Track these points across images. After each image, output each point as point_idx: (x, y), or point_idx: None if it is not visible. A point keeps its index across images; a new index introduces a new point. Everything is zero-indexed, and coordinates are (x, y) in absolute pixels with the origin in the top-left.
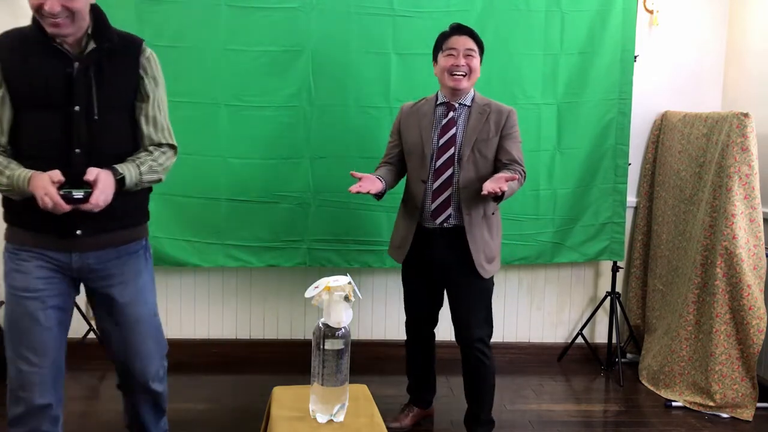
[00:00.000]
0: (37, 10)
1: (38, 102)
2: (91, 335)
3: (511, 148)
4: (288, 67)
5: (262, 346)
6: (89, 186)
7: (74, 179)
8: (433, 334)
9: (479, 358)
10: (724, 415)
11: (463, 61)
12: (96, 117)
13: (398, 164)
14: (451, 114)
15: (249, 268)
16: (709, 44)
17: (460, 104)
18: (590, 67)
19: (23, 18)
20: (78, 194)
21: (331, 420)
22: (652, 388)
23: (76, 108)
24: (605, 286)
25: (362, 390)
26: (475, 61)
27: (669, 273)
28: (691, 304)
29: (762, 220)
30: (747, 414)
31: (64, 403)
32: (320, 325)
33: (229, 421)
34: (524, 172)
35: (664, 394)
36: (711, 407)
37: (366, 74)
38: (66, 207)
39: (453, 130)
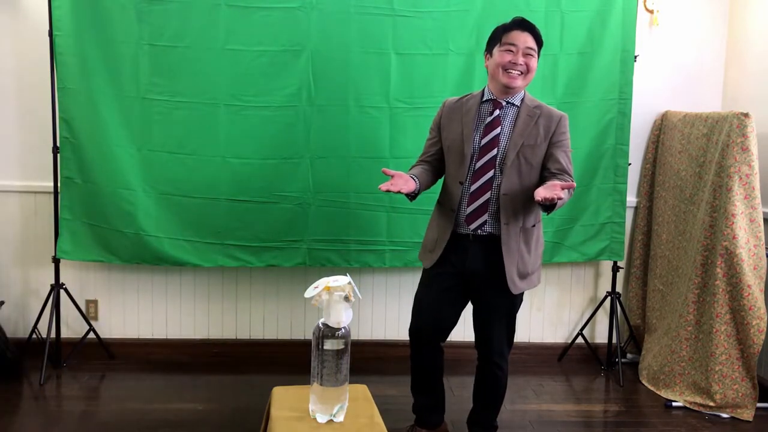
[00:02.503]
0: None
1: None
2: (91, 335)
3: (561, 157)
4: (288, 67)
5: (262, 346)
6: None
7: None
8: (442, 348)
9: (496, 372)
10: (724, 415)
11: (521, 59)
12: None
13: (436, 163)
14: (497, 112)
15: (249, 268)
16: (709, 44)
17: (508, 103)
18: (590, 68)
19: (23, 18)
20: None
21: (331, 420)
22: (652, 388)
23: None
24: (605, 286)
25: (362, 390)
26: (534, 62)
27: (669, 273)
28: (691, 304)
29: (762, 220)
30: (747, 414)
31: (64, 402)
32: (320, 325)
33: (229, 421)
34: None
35: (664, 394)
36: (711, 407)
37: (366, 74)
38: None
39: (497, 130)
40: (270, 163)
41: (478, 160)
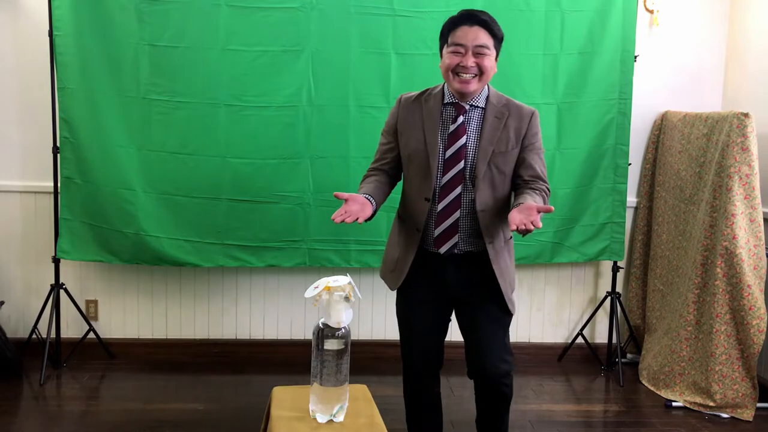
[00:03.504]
0: None
1: None
2: (91, 335)
3: (534, 162)
4: (288, 67)
5: (262, 346)
6: None
7: None
8: (439, 381)
9: (504, 392)
10: (724, 415)
11: (471, 61)
12: None
13: (392, 171)
14: (460, 119)
15: (249, 268)
16: (709, 44)
17: (471, 106)
18: (590, 67)
19: (24, 18)
20: None
21: (331, 420)
22: (652, 388)
23: None
24: (605, 286)
25: (362, 390)
26: (488, 60)
27: (669, 273)
28: (691, 304)
29: (762, 220)
30: (747, 414)
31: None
32: (320, 325)
33: (229, 421)
34: (548, 190)
35: (664, 394)
36: (711, 407)
37: (366, 74)
38: None
39: (463, 140)
40: (270, 163)
41: (444, 174)
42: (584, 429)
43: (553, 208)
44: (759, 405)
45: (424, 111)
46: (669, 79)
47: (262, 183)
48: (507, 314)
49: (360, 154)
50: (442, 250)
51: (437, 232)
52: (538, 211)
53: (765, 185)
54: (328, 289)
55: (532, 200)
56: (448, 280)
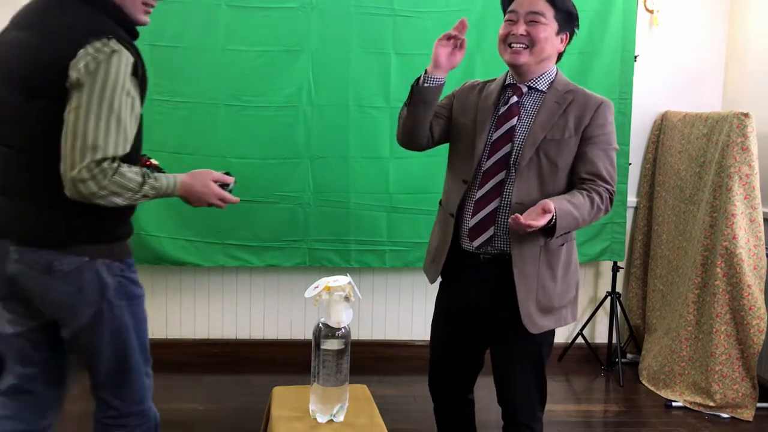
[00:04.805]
0: None
1: None
2: None
3: (596, 157)
4: (288, 67)
5: (262, 346)
6: None
7: None
8: (472, 401)
9: None
10: (724, 415)
11: (522, 29)
12: None
13: (437, 129)
14: (514, 99)
15: (249, 268)
16: (709, 44)
17: (530, 88)
18: (590, 67)
19: None
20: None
21: (331, 420)
22: (652, 388)
23: None
24: (605, 286)
25: (362, 390)
26: (541, 29)
27: (669, 273)
28: (691, 304)
29: (762, 220)
30: (747, 414)
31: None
32: (320, 325)
33: (229, 421)
34: (611, 192)
35: (664, 394)
36: (711, 407)
37: (366, 74)
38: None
39: (513, 121)
40: (270, 163)
41: (488, 157)
42: (584, 429)
43: (579, 199)
44: (759, 405)
45: (484, 93)
46: (669, 79)
47: (262, 183)
48: (534, 346)
49: (360, 154)
50: (476, 243)
51: (473, 221)
52: (543, 213)
53: (765, 185)
54: (328, 289)
55: (567, 201)
56: (471, 294)
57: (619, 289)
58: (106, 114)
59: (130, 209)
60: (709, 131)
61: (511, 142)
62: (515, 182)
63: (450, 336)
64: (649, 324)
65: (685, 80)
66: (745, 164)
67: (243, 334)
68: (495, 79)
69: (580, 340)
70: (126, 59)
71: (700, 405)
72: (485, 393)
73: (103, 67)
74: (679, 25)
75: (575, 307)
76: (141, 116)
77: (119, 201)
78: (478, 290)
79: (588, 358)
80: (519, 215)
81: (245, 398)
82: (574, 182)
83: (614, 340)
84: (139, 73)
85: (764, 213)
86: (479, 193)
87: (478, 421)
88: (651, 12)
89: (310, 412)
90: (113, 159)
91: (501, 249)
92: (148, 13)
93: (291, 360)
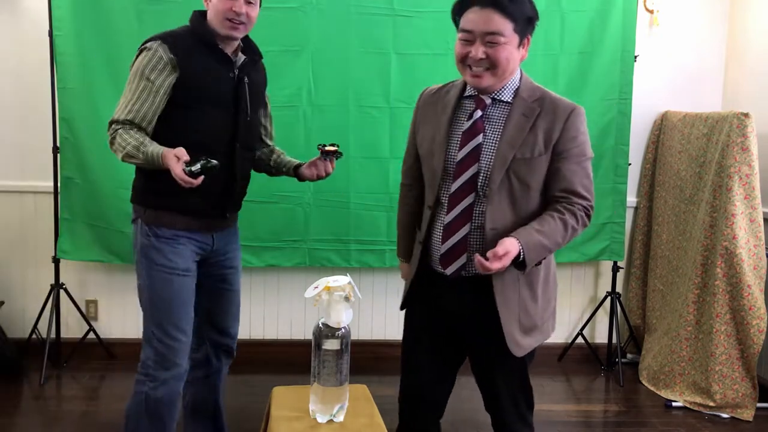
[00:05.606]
0: (226, 11)
1: (210, 101)
2: (91, 335)
3: (570, 173)
4: (288, 67)
5: (262, 346)
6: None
7: (234, 170)
8: (439, 427)
9: None
10: (724, 415)
11: (480, 51)
12: (248, 117)
13: (422, 188)
14: (477, 114)
15: (249, 268)
16: (709, 44)
17: (494, 99)
18: (590, 67)
19: (24, 18)
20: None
21: (331, 420)
22: (652, 388)
23: (239, 108)
24: (605, 286)
25: (362, 390)
26: (503, 50)
27: (669, 273)
28: (691, 304)
29: (762, 220)
30: (747, 414)
31: (64, 402)
32: (320, 325)
33: (229, 421)
34: (588, 208)
35: (664, 394)
36: (711, 407)
37: (366, 74)
38: (195, 182)
39: (479, 138)
40: None
41: (454, 179)
42: (584, 429)
43: (549, 225)
44: (759, 405)
45: (441, 104)
46: (669, 79)
47: (262, 183)
48: (518, 364)
49: (360, 154)
50: (449, 271)
51: (444, 248)
52: (503, 255)
53: (765, 185)
54: (328, 289)
55: (534, 230)
56: (449, 305)
57: (619, 289)
58: (125, 91)
59: (177, 187)
60: (709, 131)
61: (477, 162)
62: (487, 207)
63: (426, 358)
64: (649, 324)
65: (685, 80)
66: (745, 164)
67: (243, 334)
68: (452, 84)
69: (580, 340)
70: (152, 54)
71: (700, 405)
72: (477, 393)
73: (134, 60)
74: (679, 25)
75: (554, 316)
76: (201, 106)
77: (119, 156)
78: (455, 302)
79: (588, 358)
80: (481, 258)
81: (245, 398)
82: (548, 199)
83: (614, 340)
84: (176, 64)
85: (764, 213)
86: (447, 218)
87: (471, 420)
88: (651, 12)
89: (310, 412)
90: (116, 122)
91: (475, 272)
92: (234, 27)
93: (291, 360)
